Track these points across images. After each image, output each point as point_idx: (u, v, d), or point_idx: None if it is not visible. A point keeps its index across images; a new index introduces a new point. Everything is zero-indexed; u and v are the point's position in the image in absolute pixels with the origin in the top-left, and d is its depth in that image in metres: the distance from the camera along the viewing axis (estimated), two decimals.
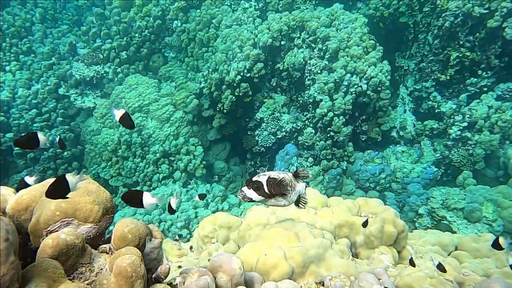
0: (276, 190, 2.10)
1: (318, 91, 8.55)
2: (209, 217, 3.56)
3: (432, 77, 8.77)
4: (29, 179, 2.09)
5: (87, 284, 1.59)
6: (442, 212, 7.34)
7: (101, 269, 1.61)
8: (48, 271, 1.29)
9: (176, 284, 1.95)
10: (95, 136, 9.62)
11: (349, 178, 8.79)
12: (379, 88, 8.47)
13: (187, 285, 1.86)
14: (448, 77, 8.50)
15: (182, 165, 9.39)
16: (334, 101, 8.36)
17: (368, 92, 8.42)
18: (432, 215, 7.50)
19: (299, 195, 2.33)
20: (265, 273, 2.37)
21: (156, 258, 1.97)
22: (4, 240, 1.06)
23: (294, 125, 9.45)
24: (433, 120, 8.77)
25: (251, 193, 2.08)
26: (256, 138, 9.78)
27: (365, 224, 3.11)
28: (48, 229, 1.60)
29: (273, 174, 2.17)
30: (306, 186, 2.43)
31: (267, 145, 9.64)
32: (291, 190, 2.22)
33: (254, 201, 2.11)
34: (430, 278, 2.41)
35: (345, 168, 8.81)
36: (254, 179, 2.10)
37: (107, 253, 1.72)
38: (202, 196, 5.29)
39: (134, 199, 1.97)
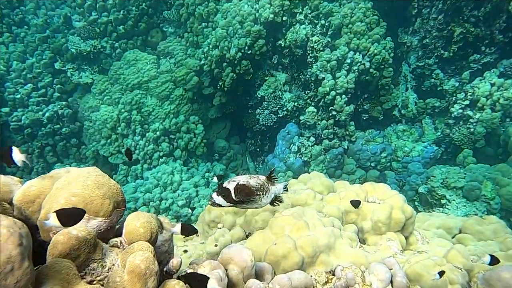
0: (244, 197, 2.11)
1: (321, 69, 8.40)
2: None
3: (435, 54, 8.61)
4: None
5: (99, 280, 1.56)
6: (442, 191, 7.39)
7: (113, 264, 1.59)
8: (61, 273, 1.25)
9: None
10: (93, 113, 9.49)
11: (350, 157, 8.78)
12: (382, 66, 8.34)
13: None
14: (451, 54, 8.35)
15: (183, 144, 9.33)
16: (337, 80, 8.23)
17: (371, 70, 8.29)
18: (431, 194, 7.55)
19: (275, 196, 2.36)
20: (275, 263, 2.36)
21: (167, 250, 1.95)
22: (18, 244, 1.02)
23: (296, 103, 9.34)
24: (435, 98, 8.69)
25: (220, 200, 2.11)
26: (257, 117, 9.68)
27: (356, 205, 3.14)
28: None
29: (243, 179, 2.17)
30: (285, 186, 2.43)
31: (268, 124, 9.56)
32: (263, 194, 2.23)
33: (223, 207, 2.14)
34: (439, 266, 2.41)
35: (346, 147, 8.78)
36: (224, 185, 2.12)
37: (118, 248, 1.69)
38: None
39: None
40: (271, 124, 9.60)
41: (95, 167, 1.77)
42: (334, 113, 8.45)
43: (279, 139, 9.37)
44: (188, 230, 2.01)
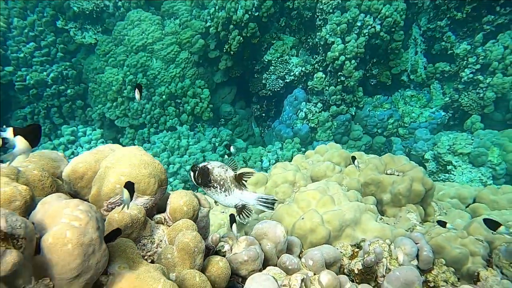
0: (201, 181, 2.05)
1: (330, 33, 8.20)
2: None
3: (448, 15, 8.35)
4: None
5: (150, 256, 1.63)
6: (448, 157, 7.47)
7: (161, 240, 1.65)
8: (127, 252, 1.32)
9: (225, 251, 2.01)
10: (98, 75, 9.34)
11: (357, 123, 8.79)
12: (393, 29, 8.13)
13: (237, 254, 1.91)
14: (464, 15, 8.10)
15: (189, 108, 9.28)
16: (347, 44, 8.05)
17: (381, 33, 8.09)
18: (438, 160, 7.64)
19: (244, 205, 2.10)
20: (303, 237, 2.44)
21: (204, 226, 2.01)
22: (97, 228, 1.08)
23: (303, 68, 9.19)
24: (444, 62, 8.55)
25: (191, 175, 2.08)
26: (264, 82, 9.57)
27: (353, 160, 3.39)
28: (109, 201, 1.61)
29: (213, 165, 2.09)
30: (265, 201, 2.11)
31: (275, 89, 9.47)
32: (220, 190, 2.07)
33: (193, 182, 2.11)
34: (461, 238, 2.49)
35: (353, 113, 8.77)
36: (202, 164, 2.11)
37: (163, 224, 1.75)
38: (228, 147, 5.53)
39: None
40: (278, 89, 9.51)
41: (138, 146, 1.79)
42: (342, 78, 8.35)
43: (286, 105, 9.33)
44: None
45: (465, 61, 8.04)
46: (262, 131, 10.51)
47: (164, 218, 1.78)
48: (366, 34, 8.01)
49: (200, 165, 2.09)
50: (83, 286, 1.08)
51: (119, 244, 1.33)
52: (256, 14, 8.58)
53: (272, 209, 2.12)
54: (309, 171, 3.56)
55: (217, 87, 10.08)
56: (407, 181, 3.01)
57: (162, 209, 1.86)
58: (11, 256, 0.88)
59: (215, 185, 2.04)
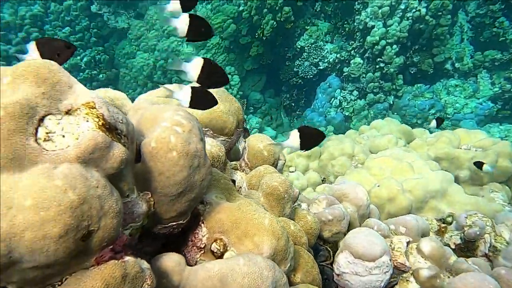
0: None
1: (371, 16, 7.77)
2: None
3: None
4: None
5: None
6: None
7: (240, 187, 1.36)
8: (221, 182, 1.09)
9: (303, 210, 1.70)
10: (129, 60, 9.23)
11: (395, 113, 8.32)
12: (440, 13, 7.63)
13: (320, 213, 1.59)
14: None
15: None
16: (388, 28, 7.61)
17: (427, 17, 7.60)
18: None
19: None
20: (379, 207, 2.11)
21: None
22: (200, 139, 0.80)
23: (338, 55, 8.79)
24: (495, 50, 7.96)
25: None
26: (295, 69, 9.21)
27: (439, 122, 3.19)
28: None
29: None
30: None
31: (308, 76, 9.09)
32: None
33: None
34: None
35: (391, 102, 8.30)
36: None
37: (238, 170, 1.46)
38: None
39: None
40: (311, 76, 9.13)
41: None
42: (381, 65, 7.92)
43: (319, 92, 8.95)
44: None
45: None
46: (291, 121, 10.16)
47: (240, 165, 1.48)
48: (410, 17, 7.55)
49: None
50: (184, 209, 0.81)
51: (212, 173, 1.06)
52: None
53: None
54: (366, 146, 3.21)
55: (247, 74, 9.79)
56: (492, 156, 2.62)
57: (237, 158, 1.58)
58: (119, 150, 0.62)
59: None
